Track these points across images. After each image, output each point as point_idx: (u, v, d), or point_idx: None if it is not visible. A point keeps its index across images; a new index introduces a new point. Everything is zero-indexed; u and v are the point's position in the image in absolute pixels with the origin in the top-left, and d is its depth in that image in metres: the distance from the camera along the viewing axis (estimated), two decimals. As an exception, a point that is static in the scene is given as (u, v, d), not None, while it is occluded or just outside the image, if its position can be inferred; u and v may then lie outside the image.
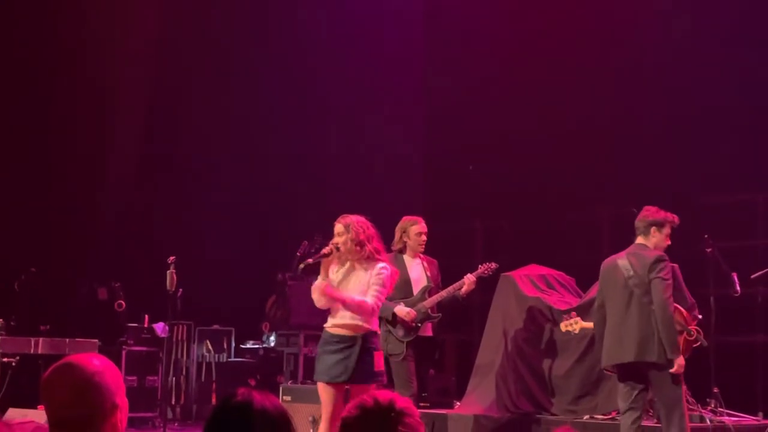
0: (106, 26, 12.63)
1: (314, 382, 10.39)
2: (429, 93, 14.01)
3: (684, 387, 7.08)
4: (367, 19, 13.67)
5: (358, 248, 6.88)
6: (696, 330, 7.08)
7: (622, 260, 7.26)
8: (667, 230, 7.29)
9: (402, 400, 2.74)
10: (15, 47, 12.13)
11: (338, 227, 7.00)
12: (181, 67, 13.32)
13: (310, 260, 7.14)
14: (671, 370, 6.93)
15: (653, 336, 7.00)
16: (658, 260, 7.11)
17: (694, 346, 7.30)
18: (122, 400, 2.95)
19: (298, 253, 12.23)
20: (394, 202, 12.47)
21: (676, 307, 7.11)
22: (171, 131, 13.30)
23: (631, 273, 7.16)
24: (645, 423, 7.72)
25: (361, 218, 7.03)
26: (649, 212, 7.33)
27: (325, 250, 6.98)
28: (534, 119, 12.31)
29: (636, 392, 7.17)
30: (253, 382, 12.16)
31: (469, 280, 8.37)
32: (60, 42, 12.34)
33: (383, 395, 2.74)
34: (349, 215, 7.05)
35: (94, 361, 2.93)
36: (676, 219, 7.33)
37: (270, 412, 2.66)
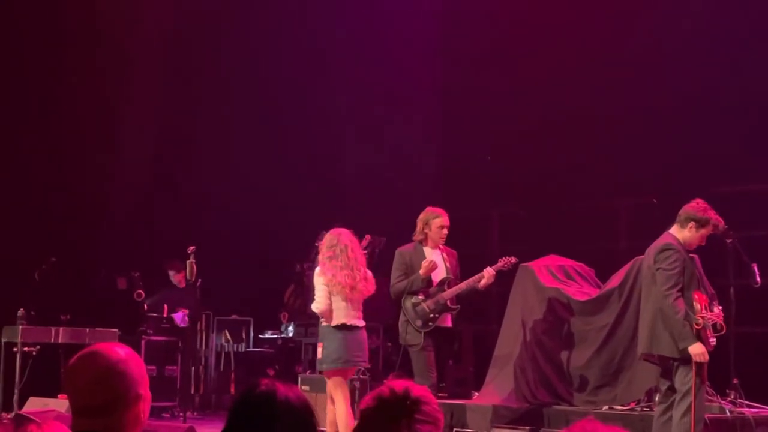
0: (116, 21, 12.65)
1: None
2: (446, 82, 13.99)
3: (699, 377, 6.81)
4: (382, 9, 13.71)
5: None
6: (702, 318, 6.89)
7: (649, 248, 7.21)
8: (705, 231, 7.04)
9: (418, 389, 2.74)
10: (33, 41, 12.17)
11: None
12: (197, 63, 13.37)
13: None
14: (694, 360, 6.79)
15: (664, 328, 6.92)
16: (662, 249, 6.97)
17: (715, 334, 6.95)
18: (146, 391, 2.96)
19: (316, 243, 12.25)
20: (410, 192, 12.49)
21: (698, 295, 6.94)
22: (188, 124, 13.32)
23: (650, 262, 7.11)
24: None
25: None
26: (697, 207, 7.06)
27: None
28: (551, 109, 12.29)
29: (664, 388, 7.12)
30: (271, 372, 12.20)
31: (488, 274, 8.35)
32: (73, 34, 12.38)
33: (399, 385, 2.74)
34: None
35: (118, 350, 2.95)
36: (721, 223, 7.10)
37: (293, 403, 2.67)
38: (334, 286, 7.99)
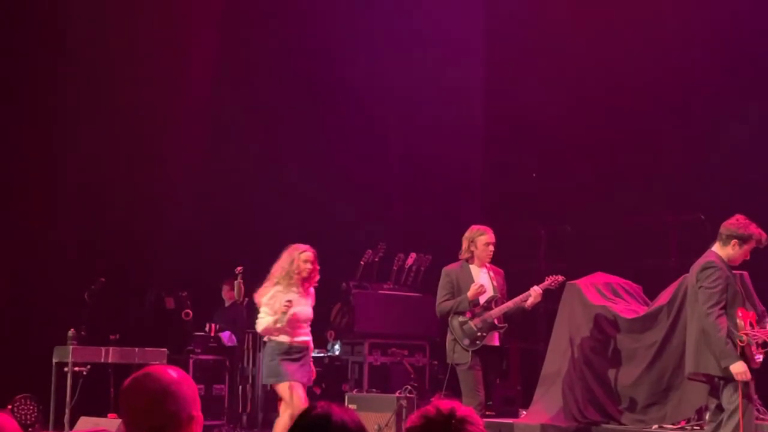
0: (169, 29, 12.78)
1: (380, 391, 10.52)
2: (490, 98, 13.98)
3: (745, 395, 6.75)
4: (429, 18, 13.73)
5: None
6: (746, 335, 6.75)
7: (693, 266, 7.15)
8: (749, 246, 6.97)
9: (463, 409, 2.76)
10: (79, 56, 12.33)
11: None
12: (241, 77, 13.48)
13: None
14: (736, 378, 6.73)
15: (707, 347, 6.86)
16: (704, 268, 6.93)
17: (763, 350, 6.87)
18: (198, 412, 3.00)
19: (362, 262, 12.29)
20: (456, 209, 12.48)
21: (742, 312, 6.87)
22: (236, 144, 13.40)
23: (693, 281, 7.06)
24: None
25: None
26: (737, 223, 6.99)
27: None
28: (599, 124, 12.23)
29: (713, 406, 7.06)
30: (318, 391, 12.20)
31: (535, 293, 8.33)
32: (120, 48, 12.52)
33: (445, 404, 2.76)
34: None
35: (171, 372, 2.99)
36: (764, 236, 7.00)
37: (349, 425, 2.69)
38: None
